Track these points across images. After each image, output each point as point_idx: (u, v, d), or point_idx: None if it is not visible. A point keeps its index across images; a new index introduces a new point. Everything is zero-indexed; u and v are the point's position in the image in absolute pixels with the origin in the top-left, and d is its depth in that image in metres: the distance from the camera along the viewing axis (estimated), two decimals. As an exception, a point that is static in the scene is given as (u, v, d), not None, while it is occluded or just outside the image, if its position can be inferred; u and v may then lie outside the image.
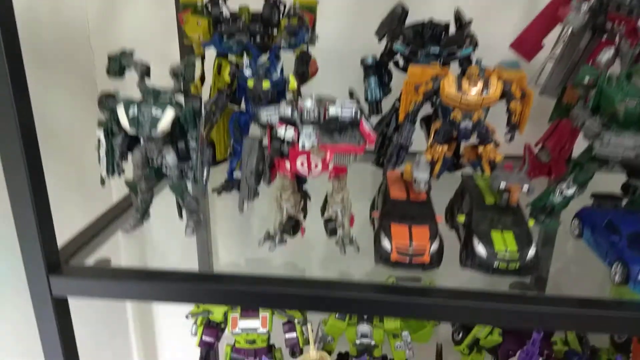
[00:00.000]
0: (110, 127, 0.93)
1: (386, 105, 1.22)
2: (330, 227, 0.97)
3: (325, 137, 0.87)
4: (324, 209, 1.02)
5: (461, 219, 0.95)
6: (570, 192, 0.94)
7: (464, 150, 1.05)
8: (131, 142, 0.95)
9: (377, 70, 1.14)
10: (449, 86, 0.92)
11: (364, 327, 1.34)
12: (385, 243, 0.89)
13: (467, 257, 0.93)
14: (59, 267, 0.93)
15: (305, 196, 1.08)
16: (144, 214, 1.03)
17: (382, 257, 0.92)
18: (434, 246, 0.90)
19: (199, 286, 0.92)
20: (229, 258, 1.34)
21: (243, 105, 1.16)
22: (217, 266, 1.27)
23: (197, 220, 1.00)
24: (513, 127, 0.97)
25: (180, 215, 1.05)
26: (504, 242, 0.88)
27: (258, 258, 1.08)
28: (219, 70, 1.15)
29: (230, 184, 1.13)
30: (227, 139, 1.16)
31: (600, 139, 0.86)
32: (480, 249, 0.89)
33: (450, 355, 1.37)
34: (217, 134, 1.17)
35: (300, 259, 1.03)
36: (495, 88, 0.92)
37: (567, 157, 1.10)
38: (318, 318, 1.42)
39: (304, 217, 1.05)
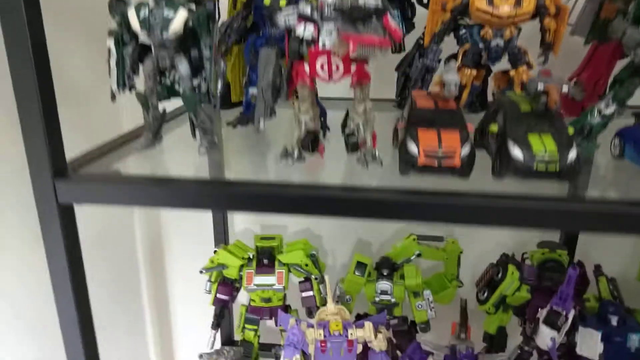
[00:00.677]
0: (121, 35, 0.88)
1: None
2: (352, 142, 0.90)
3: (347, 26, 0.79)
4: (344, 126, 0.96)
5: (494, 128, 0.86)
6: (609, 110, 0.87)
7: (494, 76, 0.99)
8: (142, 52, 0.91)
9: (400, 3, 1.08)
10: (479, 0, 0.86)
11: (384, 284, 1.29)
12: (412, 147, 0.80)
13: (502, 164, 0.84)
14: (65, 172, 0.87)
15: (324, 114, 1.03)
16: (157, 132, 0.99)
17: (408, 163, 0.83)
18: (465, 150, 0.81)
19: (209, 190, 0.86)
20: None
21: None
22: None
23: (210, 140, 0.95)
24: (547, 46, 0.90)
25: (194, 134, 1.01)
26: (543, 144, 0.80)
27: (274, 179, 1.01)
28: (234, 2, 1.10)
29: (246, 117, 1.08)
30: (243, 79, 1.11)
31: None
32: (517, 152, 0.80)
33: (475, 317, 1.31)
34: (232, 74, 1.12)
35: (319, 179, 0.95)
36: (529, 2, 0.85)
37: (602, 93, 1.03)
38: (336, 275, 1.37)
39: (324, 135, 0.99)
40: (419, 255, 1.32)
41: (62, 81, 0.95)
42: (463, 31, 0.92)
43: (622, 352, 1.03)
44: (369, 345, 1.15)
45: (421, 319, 1.30)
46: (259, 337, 1.39)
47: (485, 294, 1.27)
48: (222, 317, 1.38)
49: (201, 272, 1.32)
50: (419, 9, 1.11)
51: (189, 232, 1.77)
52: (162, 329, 1.97)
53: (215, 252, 1.32)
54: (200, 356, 1.22)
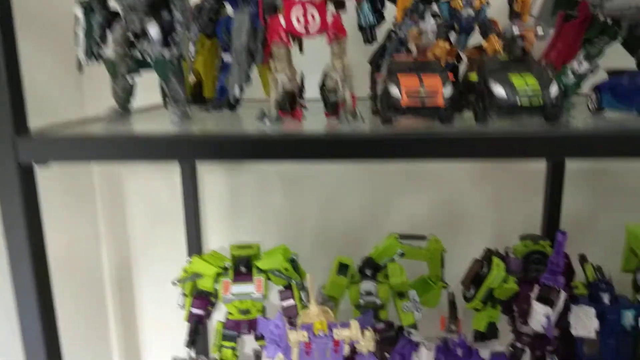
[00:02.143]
0: (89, 2, 0.85)
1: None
2: (331, 101, 0.87)
3: None
4: (323, 85, 0.94)
5: (473, 77, 0.86)
6: (582, 69, 0.88)
7: (467, 52, 1.00)
8: (111, 20, 0.87)
9: (370, -6, 1.10)
10: (447, -31, 0.87)
11: (368, 284, 1.24)
12: (394, 90, 0.78)
13: (485, 106, 0.84)
14: (26, 130, 0.82)
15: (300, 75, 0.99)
16: (125, 104, 0.94)
17: (391, 107, 0.80)
18: (447, 90, 0.81)
19: (176, 141, 0.81)
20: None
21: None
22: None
23: (183, 110, 0.90)
24: (516, 16, 0.92)
25: (165, 104, 0.96)
26: (524, 81, 0.80)
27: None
28: None
29: (220, 101, 1.04)
30: (215, 73, 1.09)
31: None
32: (499, 90, 0.79)
33: (463, 318, 1.26)
34: (204, 68, 1.10)
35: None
36: (496, -29, 0.88)
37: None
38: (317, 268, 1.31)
39: (301, 95, 0.96)
40: (401, 254, 1.29)
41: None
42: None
43: (617, 330, 1.00)
44: (356, 347, 1.08)
45: (408, 321, 1.25)
46: (237, 356, 1.30)
47: (472, 291, 1.24)
48: (197, 334, 1.29)
49: (174, 283, 1.24)
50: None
51: (159, 251, 1.68)
52: (129, 348, 1.83)
53: (188, 261, 1.25)
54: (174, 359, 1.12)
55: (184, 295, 1.27)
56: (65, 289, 1.53)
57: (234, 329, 1.27)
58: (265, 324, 1.09)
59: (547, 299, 0.96)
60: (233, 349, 1.28)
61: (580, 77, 0.89)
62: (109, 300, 1.74)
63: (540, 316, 0.97)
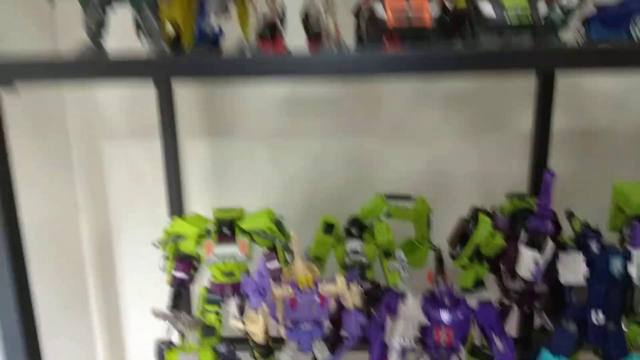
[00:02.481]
0: None
1: None
2: (314, 31, 0.84)
3: None
4: (305, 14, 0.91)
5: (461, 2, 0.84)
6: (570, 3, 0.86)
7: None
8: None
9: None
10: None
11: (354, 243, 1.22)
12: (380, 11, 0.76)
13: (473, 27, 0.81)
14: None
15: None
16: (97, 37, 0.89)
17: (378, 31, 0.78)
18: (434, 10, 0.79)
19: (150, 60, 0.79)
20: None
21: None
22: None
23: (158, 44, 0.86)
24: None
25: (139, 37, 0.92)
26: (513, 1, 0.78)
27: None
28: None
29: (200, 46, 1.00)
30: (193, 22, 1.05)
31: None
32: (488, 8, 0.78)
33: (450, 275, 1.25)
34: (181, 16, 1.06)
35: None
36: None
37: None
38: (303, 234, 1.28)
39: (282, 24, 0.92)
40: (388, 214, 1.27)
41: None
42: None
43: (605, 278, 0.99)
44: (342, 302, 1.06)
45: (394, 280, 1.23)
46: (221, 320, 1.27)
47: (459, 249, 1.22)
48: (180, 299, 1.25)
49: (155, 245, 1.20)
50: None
51: (140, 219, 1.64)
52: (111, 324, 1.79)
53: (169, 223, 1.22)
54: (155, 314, 1.08)
55: (166, 258, 1.24)
56: (42, 257, 1.49)
57: (217, 293, 1.25)
58: (248, 279, 1.06)
59: (535, 244, 0.95)
60: (217, 313, 1.25)
61: (567, 11, 0.88)
62: (88, 269, 1.70)
63: (528, 261, 0.96)
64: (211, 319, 1.25)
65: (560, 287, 1.05)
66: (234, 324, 0.98)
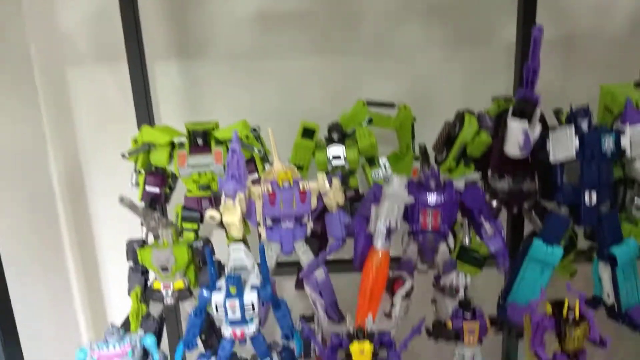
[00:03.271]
0: None
1: None
2: None
3: None
4: None
5: None
6: None
7: None
8: None
9: None
10: None
11: (336, 148, 1.17)
12: None
13: None
14: None
15: None
16: None
17: None
18: None
19: None
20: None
21: None
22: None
23: None
24: None
25: None
26: None
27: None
28: None
29: None
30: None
31: None
32: None
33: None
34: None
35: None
36: None
37: None
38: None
39: None
40: (370, 121, 1.21)
41: None
42: None
43: (598, 157, 0.95)
44: (324, 201, 1.01)
45: (379, 188, 1.18)
46: (200, 238, 1.21)
47: (445, 152, 1.18)
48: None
49: (123, 155, 1.13)
50: None
51: (111, 152, 1.55)
52: (85, 255, 1.71)
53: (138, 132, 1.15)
54: (121, 199, 1.01)
55: (137, 172, 1.17)
56: (10, 190, 1.41)
57: (194, 208, 1.18)
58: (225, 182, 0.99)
59: (523, 113, 0.90)
60: (195, 231, 1.19)
61: None
62: (58, 199, 1.62)
63: (517, 134, 0.91)
64: (190, 237, 1.19)
65: (550, 176, 1.01)
66: (209, 215, 0.91)
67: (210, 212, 0.91)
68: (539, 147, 0.97)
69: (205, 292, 0.88)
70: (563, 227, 1.00)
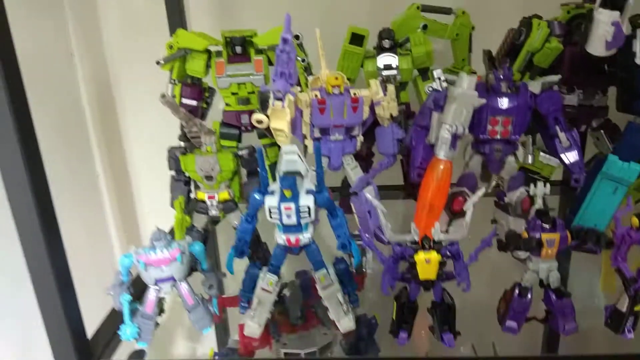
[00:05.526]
0: None
1: None
2: None
3: None
4: None
5: None
6: None
7: None
8: None
9: None
10: None
11: (387, 57, 1.06)
12: None
13: None
14: None
15: None
16: None
17: None
18: None
19: None
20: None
21: None
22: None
23: None
24: None
25: None
26: None
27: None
28: None
29: None
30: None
31: None
32: None
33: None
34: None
35: None
36: None
37: None
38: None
39: None
40: (424, 27, 1.10)
41: None
42: None
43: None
44: (376, 109, 0.92)
45: (432, 104, 1.09)
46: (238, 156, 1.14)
47: (508, 63, 1.06)
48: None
49: (158, 62, 1.04)
50: None
51: (142, 65, 1.47)
52: (116, 170, 1.66)
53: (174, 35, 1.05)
54: (163, 96, 0.93)
55: (173, 83, 1.09)
56: (40, 106, 1.35)
57: (233, 125, 1.11)
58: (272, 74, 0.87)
59: (614, 3, 0.77)
60: (235, 153, 1.11)
61: None
62: (88, 114, 1.56)
63: (605, 27, 0.79)
64: (228, 157, 1.11)
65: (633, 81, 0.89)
66: (256, 119, 0.83)
67: (256, 116, 0.81)
68: (624, 48, 0.85)
69: (257, 196, 0.80)
70: (643, 143, 0.89)
